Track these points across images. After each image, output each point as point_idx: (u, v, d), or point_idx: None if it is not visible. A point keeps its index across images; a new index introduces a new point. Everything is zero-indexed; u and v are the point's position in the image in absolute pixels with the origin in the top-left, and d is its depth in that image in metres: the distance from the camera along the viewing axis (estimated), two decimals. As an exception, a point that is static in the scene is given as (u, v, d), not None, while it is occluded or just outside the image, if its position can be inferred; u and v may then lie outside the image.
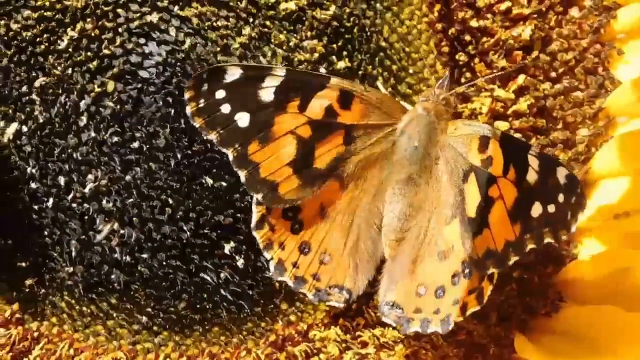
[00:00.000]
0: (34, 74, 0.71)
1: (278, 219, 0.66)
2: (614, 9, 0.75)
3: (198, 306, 0.73)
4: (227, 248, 0.71)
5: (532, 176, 0.60)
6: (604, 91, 0.75)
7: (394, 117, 0.66)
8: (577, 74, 0.75)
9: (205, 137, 0.64)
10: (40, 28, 0.70)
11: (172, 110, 0.69)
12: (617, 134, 0.75)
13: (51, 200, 0.71)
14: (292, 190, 0.64)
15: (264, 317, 0.73)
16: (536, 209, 0.60)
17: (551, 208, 0.60)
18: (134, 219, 0.71)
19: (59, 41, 0.71)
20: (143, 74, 0.70)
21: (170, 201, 0.70)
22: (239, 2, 0.71)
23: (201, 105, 0.62)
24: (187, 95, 0.62)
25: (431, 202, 0.66)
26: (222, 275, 0.72)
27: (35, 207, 0.71)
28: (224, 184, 0.70)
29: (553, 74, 0.74)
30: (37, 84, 0.71)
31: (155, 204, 0.70)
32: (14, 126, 0.71)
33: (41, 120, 0.71)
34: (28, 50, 0.71)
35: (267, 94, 0.62)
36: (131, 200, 0.70)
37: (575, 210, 0.60)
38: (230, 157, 0.63)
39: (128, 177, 0.70)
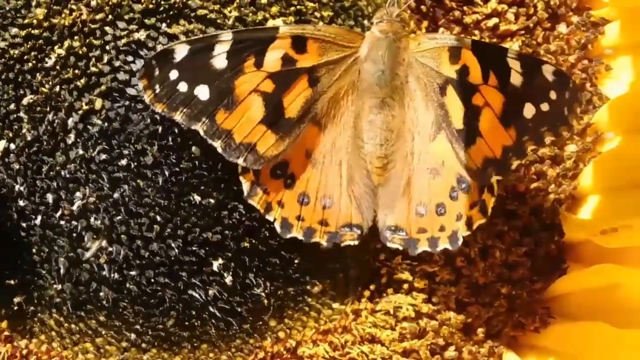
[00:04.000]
0: (21, 91, 0.70)
1: (268, 180, 0.66)
2: (602, 25, 0.75)
3: (186, 323, 0.72)
4: (215, 265, 0.71)
5: (516, 78, 0.60)
6: (591, 107, 0.75)
7: (353, 46, 0.65)
8: (565, 90, 0.74)
9: (170, 118, 0.64)
10: (28, 46, 0.70)
11: (160, 128, 0.69)
12: (605, 149, 0.75)
13: (39, 217, 0.71)
14: (271, 147, 0.64)
15: (252, 334, 0.73)
16: (529, 110, 0.60)
17: (544, 107, 0.60)
18: (122, 236, 0.70)
19: (46, 59, 0.71)
20: (131, 91, 0.70)
21: (159, 218, 0.70)
22: (226, 20, 0.71)
23: (157, 90, 0.62)
24: (141, 85, 0.62)
25: (410, 122, 0.65)
26: (210, 292, 0.72)
27: (24, 224, 0.71)
28: (212, 201, 0.70)
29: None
30: (25, 101, 0.70)
31: (143, 221, 0.70)
32: (1, 144, 0.71)
33: (29, 138, 0.70)
34: (16, 68, 0.70)
35: (219, 61, 0.62)
36: (119, 217, 0.70)
37: (572, 104, 0.60)
38: (201, 132, 0.63)
39: (116, 195, 0.70)
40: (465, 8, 0.73)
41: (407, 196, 0.66)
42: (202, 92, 0.62)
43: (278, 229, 0.67)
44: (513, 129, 0.60)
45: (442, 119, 0.63)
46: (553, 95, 0.59)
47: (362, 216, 0.67)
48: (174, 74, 0.62)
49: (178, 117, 0.63)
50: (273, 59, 0.63)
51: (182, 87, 0.62)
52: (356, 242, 0.68)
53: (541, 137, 0.61)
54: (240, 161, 0.64)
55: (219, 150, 0.64)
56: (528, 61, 0.60)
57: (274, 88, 0.63)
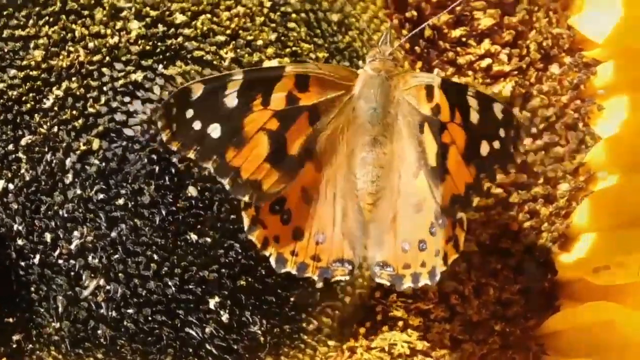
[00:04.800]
0: (20, 132, 0.71)
1: (267, 216, 0.67)
2: (594, 65, 0.76)
3: (184, 361, 0.73)
4: (212, 303, 0.72)
5: (474, 116, 0.61)
6: (584, 147, 0.76)
7: (349, 84, 0.66)
8: (557, 130, 0.75)
9: (183, 156, 0.65)
10: (26, 87, 0.71)
11: (157, 168, 0.70)
12: (597, 188, 0.76)
13: (38, 256, 0.72)
14: (274, 184, 0.65)
15: (249, 371, 0.74)
16: (484, 148, 0.61)
17: (496, 144, 0.60)
18: (120, 274, 0.71)
19: (44, 100, 0.71)
20: (128, 132, 0.70)
21: (156, 257, 0.71)
22: (222, 61, 0.72)
23: (174, 129, 0.63)
24: (159, 124, 0.63)
25: (398, 159, 0.66)
26: (207, 330, 0.72)
27: (22, 263, 0.72)
28: (208, 239, 0.71)
29: (534, 130, 0.75)
30: (23, 142, 0.71)
31: (140, 260, 0.71)
32: (0, 184, 0.72)
33: (27, 178, 0.71)
34: (14, 109, 0.71)
35: (231, 99, 0.63)
36: (117, 256, 0.71)
37: (516, 142, 0.61)
38: (211, 170, 0.64)
39: (113, 234, 0.71)
40: (458, 49, 0.74)
41: (393, 232, 0.67)
42: (215, 130, 0.63)
43: (273, 264, 0.68)
44: (473, 166, 0.61)
45: (421, 157, 0.64)
46: (502, 132, 0.60)
47: (353, 252, 0.68)
48: (189, 113, 0.62)
49: (191, 155, 0.63)
50: (278, 97, 0.64)
51: (197, 125, 0.62)
52: (347, 278, 0.69)
53: (494, 174, 0.62)
54: (246, 198, 0.65)
55: (227, 187, 0.64)
56: (482, 99, 0.61)
57: (279, 126, 0.64)
